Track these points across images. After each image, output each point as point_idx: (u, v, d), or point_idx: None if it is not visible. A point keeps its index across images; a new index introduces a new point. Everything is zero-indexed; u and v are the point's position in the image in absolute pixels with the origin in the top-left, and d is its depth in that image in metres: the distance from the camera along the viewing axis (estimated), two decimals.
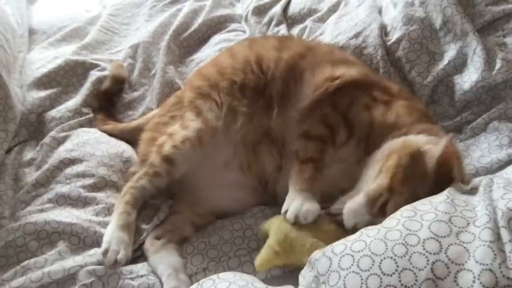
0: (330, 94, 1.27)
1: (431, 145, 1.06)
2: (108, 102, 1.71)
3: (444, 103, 1.47)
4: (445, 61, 1.48)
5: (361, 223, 1.03)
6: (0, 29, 1.68)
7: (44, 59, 1.83)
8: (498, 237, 0.75)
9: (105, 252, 1.14)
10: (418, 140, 1.10)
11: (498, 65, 1.39)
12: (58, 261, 1.17)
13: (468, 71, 1.43)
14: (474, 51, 1.43)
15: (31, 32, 2.06)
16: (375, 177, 1.07)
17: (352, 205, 1.07)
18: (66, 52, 1.85)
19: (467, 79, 1.42)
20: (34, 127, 1.60)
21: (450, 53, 1.48)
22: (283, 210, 1.13)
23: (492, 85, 1.38)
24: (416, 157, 1.04)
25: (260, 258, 1.10)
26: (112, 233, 1.17)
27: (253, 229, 1.23)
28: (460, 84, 1.44)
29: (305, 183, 1.16)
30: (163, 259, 1.16)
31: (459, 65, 1.46)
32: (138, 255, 1.23)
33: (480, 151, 1.31)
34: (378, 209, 1.02)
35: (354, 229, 0.98)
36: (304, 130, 1.25)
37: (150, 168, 1.31)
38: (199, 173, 1.34)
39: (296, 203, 1.12)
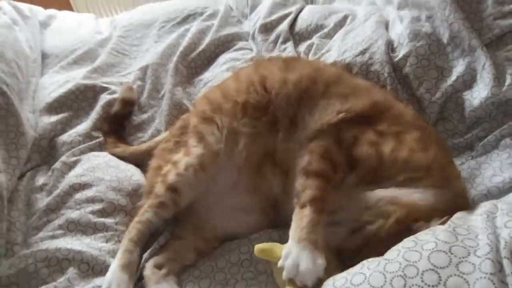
0: (333, 126, 1.20)
1: (422, 222, 0.98)
2: (118, 125, 1.73)
3: (454, 119, 1.44)
4: (453, 77, 1.45)
5: None
6: (13, 57, 1.71)
7: (56, 83, 1.86)
8: (500, 269, 0.73)
9: None
10: (419, 206, 1.03)
11: (508, 81, 1.36)
12: None
13: (478, 87, 1.41)
14: (483, 66, 1.40)
15: (44, 56, 2.09)
16: None
17: None
18: (77, 76, 1.88)
19: (477, 95, 1.39)
20: (46, 152, 1.63)
21: (458, 68, 1.46)
22: (279, 264, 1.00)
23: (502, 101, 1.35)
24: (400, 233, 0.96)
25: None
26: (113, 273, 1.18)
27: None
28: (469, 100, 1.41)
29: (304, 231, 1.02)
30: None
31: (468, 80, 1.43)
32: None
33: (492, 169, 1.28)
34: None
35: None
36: (302, 166, 1.16)
37: (156, 199, 1.31)
38: (207, 197, 1.33)
39: (290, 260, 0.98)
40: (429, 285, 0.74)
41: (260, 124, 1.31)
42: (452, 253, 0.77)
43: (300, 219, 1.05)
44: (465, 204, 1.10)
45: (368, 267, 0.82)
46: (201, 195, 1.32)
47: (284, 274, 0.97)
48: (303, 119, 1.27)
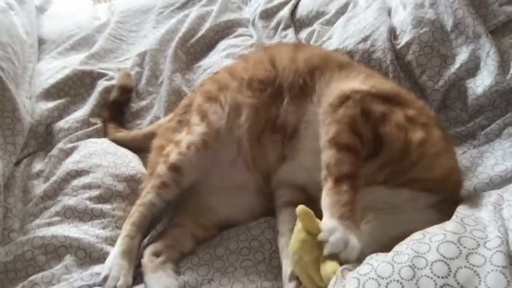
0: (359, 94, 1.13)
1: None
2: (117, 111, 1.72)
3: (457, 108, 1.42)
4: (457, 64, 1.43)
5: None
6: (8, 42, 1.69)
7: (53, 69, 1.84)
8: (511, 262, 0.71)
9: (105, 279, 1.13)
10: None
11: None
12: (64, 275, 1.17)
13: (481, 74, 1.38)
14: (488, 54, 1.37)
15: (41, 41, 2.07)
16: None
17: None
18: (74, 62, 1.86)
19: (480, 83, 1.37)
20: (43, 138, 1.61)
21: (462, 56, 1.43)
22: (320, 238, 0.95)
23: (506, 89, 1.32)
24: None
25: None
26: (113, 259, 1.17)
27: (259, 239, 1.22)
28: (472, 88, 1.38)
29: (346, 208, 0.98)
30: (160, 281, 1.13)
31: (472, 68, 1.41)
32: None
33: (495, 158, 1.26)
34: None
35: None
36: (331, 136, 1.09)
37: (157, 179, 1.29)
38: (206, 179, 1.32)
39: (338, 236, 0.94)
40: (439, 276, 0.72)
41: (264, 95, 1.29)
42: (461, 244, 0.76)
43: (338, 194, 1.00)
44: None
45: (376, 258, 0.81)
46: (202, 176, 1.31)
47: (329, 249, 0.93)
48: (320, 87, 1.23)
